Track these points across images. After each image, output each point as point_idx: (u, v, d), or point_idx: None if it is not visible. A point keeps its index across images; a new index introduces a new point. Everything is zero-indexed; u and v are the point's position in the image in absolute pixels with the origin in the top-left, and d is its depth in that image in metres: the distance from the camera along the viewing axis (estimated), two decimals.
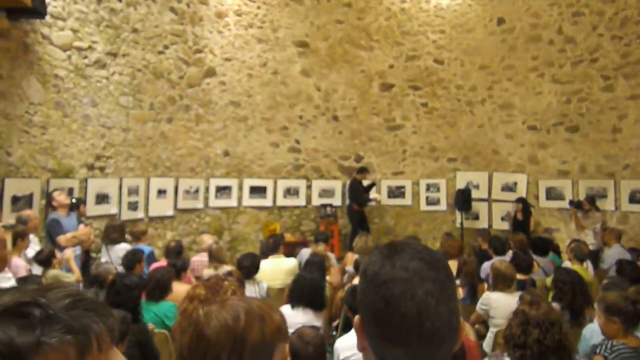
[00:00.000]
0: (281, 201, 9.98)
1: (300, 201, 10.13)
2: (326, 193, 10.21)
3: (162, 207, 8.59)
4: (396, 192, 10.43)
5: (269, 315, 1.32)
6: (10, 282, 2.97)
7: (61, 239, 5.66)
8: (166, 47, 8.56)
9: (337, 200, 10.17)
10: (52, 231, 5.73)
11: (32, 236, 5.51)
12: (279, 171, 10.00)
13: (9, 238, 3.84)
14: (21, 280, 3.32)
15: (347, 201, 9.86)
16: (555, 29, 9.58)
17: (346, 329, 4.06)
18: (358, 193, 9.51)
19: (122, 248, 6.15)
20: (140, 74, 8.16)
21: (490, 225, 10.01)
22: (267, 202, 9.85)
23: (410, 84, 10.42)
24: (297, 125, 10.11)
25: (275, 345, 1.30)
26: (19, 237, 4.85)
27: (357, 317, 0.99)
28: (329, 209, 9.76)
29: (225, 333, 1.25)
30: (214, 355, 1.25)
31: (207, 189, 9.25)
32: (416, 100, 10.43)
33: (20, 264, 4.55)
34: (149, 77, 8.30)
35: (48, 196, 6.26)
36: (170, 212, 8.74)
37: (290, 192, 10.07)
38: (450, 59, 10.31)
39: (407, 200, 10.44)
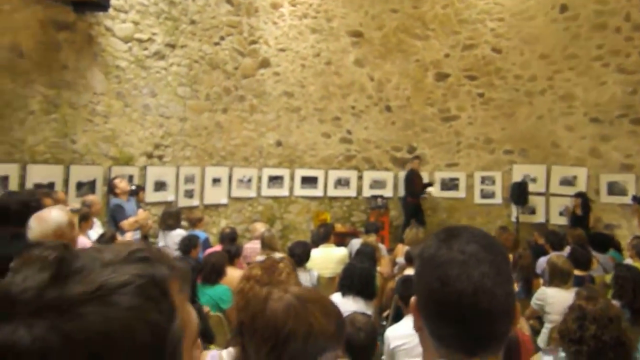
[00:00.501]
0: (332, 192, 10.01)
1: (351, 192, 10.13)
2: (377, 184, 10.16)
3: (216, 195, 8.80)
4: (450, 185, 10.24)
5: (335, 309, 1.35)
6: None
7: (124, 223, 5.90)
8: (222, 38, 8.72)
9: (388, 192, 10.10)
10: (116, 215, 5.98)
11: (95, 220, 5.78)
12: (330, 162, 10.03)
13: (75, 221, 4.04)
14: None
15: (402, 193, 9.80)
16: (623, 16, 9.09)
17: (397, 319, 4.04)
18: (412, 184, 9.42)
19: (178, 234, 6.35)
20: (197, 65, 8.35)
21: (547, 220, 9.68)
22: (318, 192, 9.90)
23: (466, 74, 10.18)
24: (349, 116, 10.08)
25: (332, 344, 1.33)
26: (83, 220, 5.10)
27: (413, 299, 1.01)
28: (379, 200, 9.72)
29: (295, 317, 1.29)
30: (274, 330, 1.28)
31: (259, 179, 9.40)
32: (472, 90, 10.18)
33: (86, 242, 4.78)
34: (205, 68, 8.49)
35: (110, 183, 6.53)
36: (225, 200, 8.94)
37: (341, 182, 10.08)
38: (509, 48, 9.99)
39: (461, 193, 10.24)
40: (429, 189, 9.64)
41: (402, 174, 10.11)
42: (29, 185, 5.83)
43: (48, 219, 2.78)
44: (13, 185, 5.70)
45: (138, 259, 0.62)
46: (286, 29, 9.54)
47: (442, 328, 0.95)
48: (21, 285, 0.57)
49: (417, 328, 1.01)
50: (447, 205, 10.22)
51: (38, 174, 6.11)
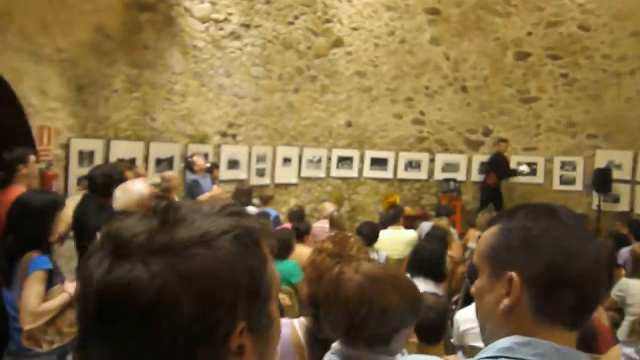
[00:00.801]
0: (402, 174, 9.87)
1: (422, 175, 9.93)
2: (450, 167, 9.89)
3: (287, 175, 8.92)
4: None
5: (409, 285, 1.34)
6: None
7: (201, 199, 6.12)
8: (296, 17, 8.73)
9: (461, 176, 9.82)
10: (193, 191, 6.21)
11: (174, 195, 6.03)
12: (401, 143, 9.86)
13: None
14: None
15: (478, 177, 9.53)
16: None
17: (467, 303, 3.94)
18: (500, 166, 9.13)
19: (249, 211, 6.51)
20: (270, 45, 8.43)
21: (632, 209, 9.06)
22: (388, 174, 9.79)
23: (549, 53, 9.62)
24: (422, 97, 9.84)
25: (408, 320, 1.34)
26: (167, 194, 5.34)
27: (514, 275, 0.99)
28: (452, 184, 9.47)
29: (369, 301, 1.30)
30: (348, 314, 1.30)
31: (329, 159, 9.42)
32: (555, 70, 9.63)
33: None
34: (279, 48, 8.56)
35: (188, 160, 6.76)
36: (295, 180, 9.05)
37: (412, 165, 9.91)
38: (598, 25, 9.33)
39: (539, 179, 9.78)
40: (522, 168, 9.30)
41: (477, 158, 9.79)
42: (112, 160, 6.15)
43: (132, 190, 2.91)
44: (98, 160, 6.04)
45: (231, 213, 0.68)
46: (361, 7, 9.39)
47: (560, 302, 0.98)
48: (131, 231, 0.62)
49: (510, 306, 0.99)
50: (524, 191, 9.80)
51: (121, 150, 6.43)
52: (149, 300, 0.58)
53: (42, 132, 5.11)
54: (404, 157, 9.85)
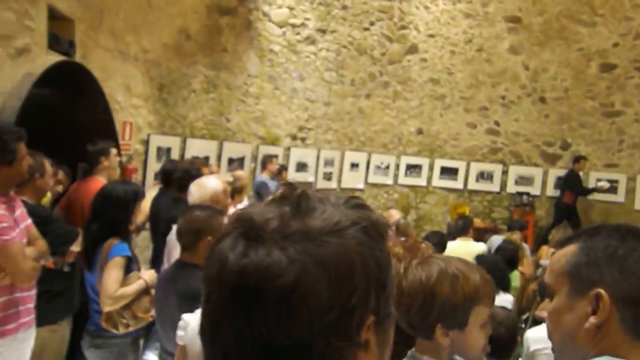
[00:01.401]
0: (473, 185, 9.60)
1: (494, 187, 9.62)
2: (524, 180, 9.51)
3: (353, 180, 8.93)
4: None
5: (464, 275, 1.35)
6: None
7: None
8: (372, 23, 8.74)
9: (535, 189, 9.42)
10: (261, 192, 6.34)
11: (244, 194, 6.18)
12: (473, 153, 9.61)
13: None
14: None
15: (552, 191, 9.12)
16: None
17: (538, 322, 3.77)
18: (576, 183, 8.71)
19: None
20: (345, 50, 8.49)
21: None
22: (458, 184, 9.56)
23: (637, 65, 9.08)
24: (498, 106, 9.55)
25: (470, 306, 1.34)
26: (237, 192, 5.48)
27: (603, 292, 0.97)
28: (525, 197, 9.11)
29: (418, 288, 1.33)
30: (406, 306, 1.33)
31: (397, 166, 9.33)
32: None
33: None
34: (352, 53, 8.60)
35: (263, 160, 6.89)
36: (361, 186, 9.03)
37: (483, 176, 9.63)
38: None
39: (620, 197, 9.21)
40: (601, 183, 8.83)
41: (553, 171, 9.37)
42: (187, 157, 6.38)
43: (206, 185, 3.02)
44: (174, 157, 6.28)
45: (355, 205, 0.67)
46: (438, 14, 9.26)
47: None
48: (263, 215, 0.63)
49: (598, 324, 0.97)
50: (603, 209, 9.27)
51: (195, 147, 6.67)
52: (288, 284, 0.58)
53: (125, 128, 5.38)
54: (476, 167, 9.59)
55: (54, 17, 3.86)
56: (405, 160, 9.36)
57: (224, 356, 0.62)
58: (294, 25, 7.81)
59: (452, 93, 9.44)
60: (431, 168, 9.48)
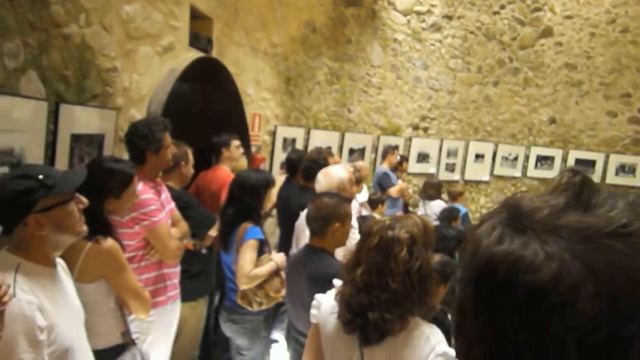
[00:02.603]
0: (612, 179, 8.78)
1: (637, 181, 8.73)
2: None
3: (478, 172, 8.59)
4: None
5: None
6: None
7: (392, 190, 6.23)
8: (502, 7, 8.31)
9: None
10: (383, 183, 6.35)
11: (364, 184, 6.23)
12: (613, 144, 8.78)
13: None
14: (360, 219, 3.81)
15: None
16: None
17: None
18: None
19: (437, 205, 6.44)
20: (472, 36, 8.17)
21: None
22: (595, 177, 8.72)
23: None
24: None
25: None
26: (356, 183, 5.54)
27: None
28: None
29: None
30: None
31: (527, 158, 8.81)
32: None
33: (354, 206, 5.22)
34: (480, 39, 8.25)
35: (384, 151, 6.87)
36: (486, 178, 8.67)
37: (624, 169, 8.77)
38: None
39: None
40: None
41: None
42: (310, 148, 6.57)
43: (333, 174, 3.10)
44: (299, 147, 6.50)
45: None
46: None
47: None
48: (532, 203, 0.56)
49: None
50: None
51: (318, 138, 6.85)
52: (541, 283, 0.49)
53: (254, 120, 5.67)
54: (615, 159, 8.76)
55: (195, 16, 4.16)
56: (535, 152, 8.81)
57: (467, 348, 0.57)
58: (419, 13, 7.67)
59: (590, 79, 8.68)
60: (564, 160, 8.82)
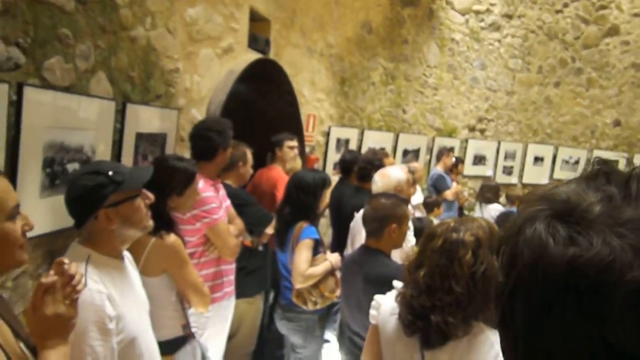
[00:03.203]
0: None
1: None
2: None
3: (537, 175, 8.32)
4: None
5: None
6: None
7: (447, 193, 6.12)
8: (565, 5, 8.01)
9: None
10: (438, 185, 6.25)
11: (417, 186, 6.15)
12: None
13: None
14: (416, 221, 3.76)
15: None
16: None
17: None
18: None
19: (495, 208, 6.27)
20: (533, 35, 7.92)
21: None
22: None
23: None
24: None
25: None
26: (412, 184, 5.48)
27: None
28: None
29: None
30: None
31: (589, 161, 8.39)
32: None
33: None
34: (541, 38, 7.98)
35: (439, 152, 6.76)
36: (546, 181, 8.37)
37: None
38: None
39: None
40: None
41: None
42: (364, 149, 6.55)
43: (390, 175, 3.08)
44: (352, 148, 6.49)
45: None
46: None
47: None
48: (582, 197, 0.54)
49: None
50: None
51: (372, 139, 6.81)
52: (602, 282, 0.48)
53: (309, 120, 5.70)
54: None
55: (254, 18, 4.23)
56: (598, 155, 8.42)
57: (547, 353, 0.54)
58: (477, 12, 7.50)
59: None
60: (630, 164, 8.36)
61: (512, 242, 0.57)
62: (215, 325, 2.84)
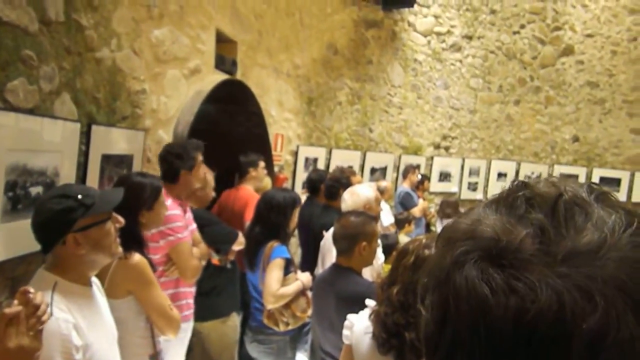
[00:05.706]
0: (639, 198, 8.63)
1: None
2: None
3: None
4: None
5: None
6: None
7: (415, 210, 6.19)
8: (522, 26, 8.32)
9: None
10: (405, 202, 6.32)
11: (385, 204, 6.21)
12: (638, 162, 8.64)
13: None
14: (383, 237, 3.79)
15: None
16: None
17: None
18: None
19: None
20: (492, 55, 8.18)
21: None
22: (621, 196, 8.64)
23: None
24: None
25: None
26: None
27: None
28: None
29: None
30: None
31: (550, 176, 8.69)
32: None
33: None
34: (501, 58, 8.26)
35: (405, 170, 6.85)
36: None
37: None
38: None
39: None
40: None
41: None
42: (332, 167, 6.58)
43: (360, 193, 3.11)
44: (320, 167, 6.52)
45: (608, 201, 0.51)
46: (598, 12, 8.51)
47: None
48: (508, 232, 0.48)
49: None
50: None
51: (340, 157, 6.86)
52: (596, 327, 0.42)
53: (277, 140, 5.71)
54: None
55: (220, 39, 4.24)
56: (559, 170, 8.70)
57: None
58: (439, 34, 7.71)
59: (613, 97, 8.60)
60: (589, 178, 8.68)
61: (440, 292, 0.50)
62: (173, 348, 2.77)
